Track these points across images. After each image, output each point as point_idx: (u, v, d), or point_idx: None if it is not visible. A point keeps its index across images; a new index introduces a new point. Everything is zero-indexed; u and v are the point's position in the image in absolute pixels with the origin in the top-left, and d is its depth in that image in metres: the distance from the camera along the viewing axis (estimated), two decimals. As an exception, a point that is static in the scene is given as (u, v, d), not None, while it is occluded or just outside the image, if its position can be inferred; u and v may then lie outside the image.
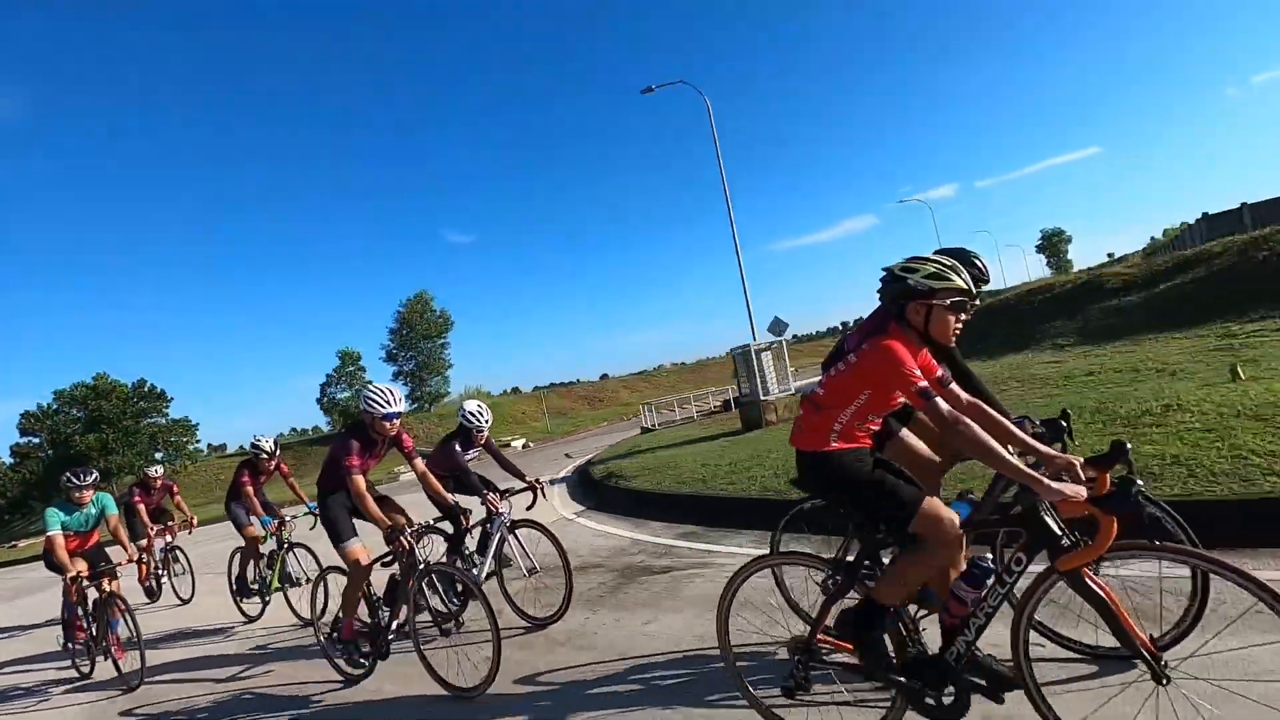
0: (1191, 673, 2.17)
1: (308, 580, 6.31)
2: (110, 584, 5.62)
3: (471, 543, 5.21)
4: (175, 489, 9.06)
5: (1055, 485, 2.13)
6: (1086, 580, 2.17)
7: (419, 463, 4.49)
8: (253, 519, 6.81)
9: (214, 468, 46.40)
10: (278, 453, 7.02)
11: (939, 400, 2.32)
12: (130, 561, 5.88)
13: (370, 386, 4.26)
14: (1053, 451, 2.33)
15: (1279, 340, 10.40)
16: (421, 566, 4.03)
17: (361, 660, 4.27)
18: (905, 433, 3.33)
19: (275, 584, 6.56)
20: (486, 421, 5.42)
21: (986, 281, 3.27)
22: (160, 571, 8.68)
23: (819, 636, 2.74)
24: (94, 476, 6.18)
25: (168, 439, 49.39)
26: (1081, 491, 2.11)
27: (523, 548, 5.07)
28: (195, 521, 8.76)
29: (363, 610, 4.38)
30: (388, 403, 4.18)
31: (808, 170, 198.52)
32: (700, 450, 11.81)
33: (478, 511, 4.98)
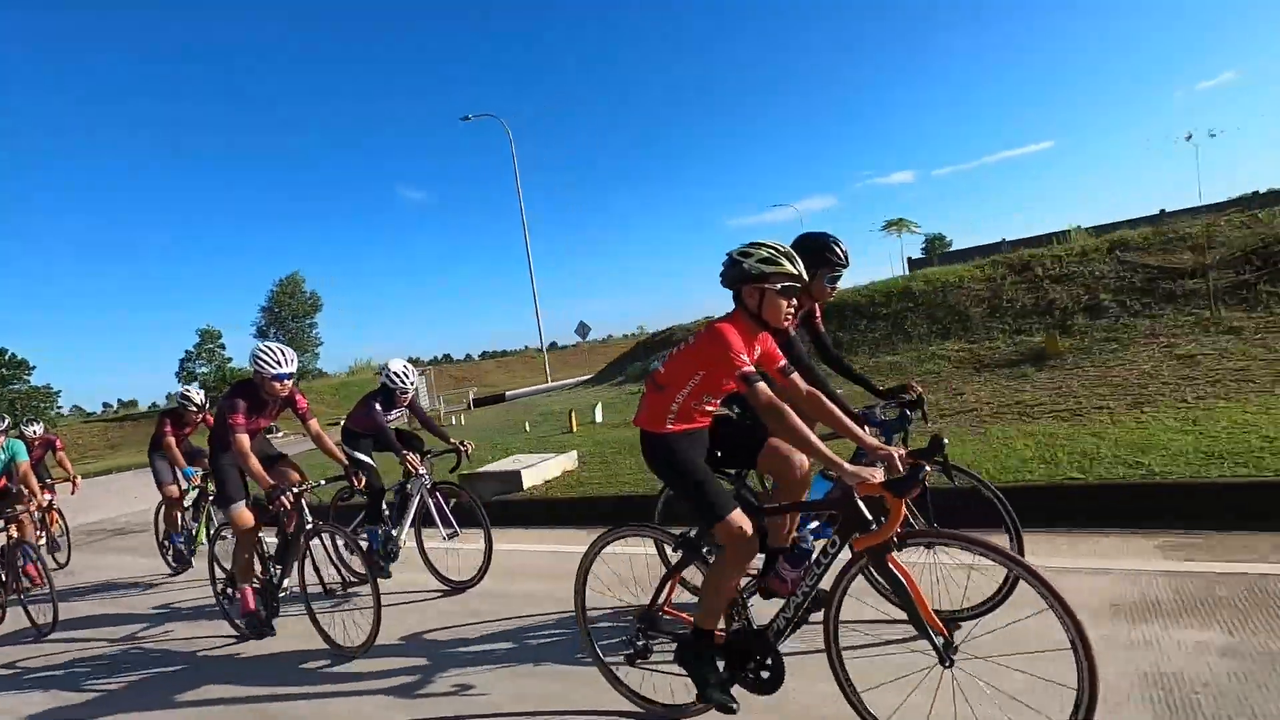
0: (973, 652, 2.29)
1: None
2: (18, 530, 5.59)
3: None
4: (59, 444, 8.44)
5: (853, 469, 2.22)
6: (889, 565, 2.25)
7: (314, 423, 4.45)
8: (176, 471, 6.74)
9: (76, 430, 46.12)
10: (206, 405, 6.85)
11: (760, 385, 2.38)
12: (40, 507, 5.78)
13: (261, 346, 4.16)
14: (877, 443, 2.43)
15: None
16: (310, 526, 4.04)
17: (267, 630, 4.29)
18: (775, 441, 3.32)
19: (201, 537, 6.54)
20: (412, 384, 5.26)
21: (845, 266, 3.41)
22: (39, 531, 7.93)
23: (664, 608, 2.81)
24: (5, 423, 6.10)
25: (29, 405, 49.21)
26: (877, 474, 2.20)
27: (443, 510, 5.04)
28: (79, 481, 8.20)
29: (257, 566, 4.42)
30: (278, 363, 4.10)
31: (768, 147, 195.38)
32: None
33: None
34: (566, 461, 7.70)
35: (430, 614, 4.42)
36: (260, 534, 4.38)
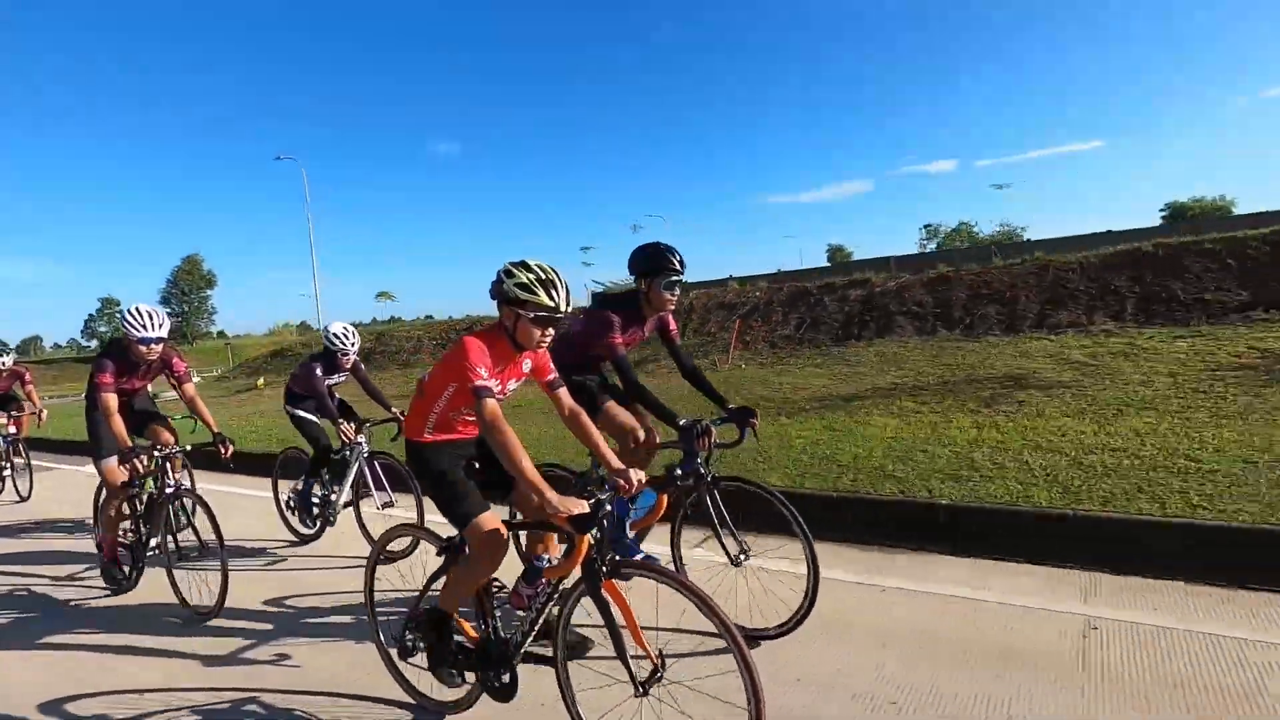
0: (671, 678, 2.31)
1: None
2: None
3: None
4: (28, 377, 8.18)
5: (554, 499, 2.24)
6: (603, 592, 2.27)
7: (188, 388, 4.51)
8: None
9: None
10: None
11: (487, 401, 2.42)
12: None
13: (131, 309, 4.16)
14: (618, 466, 2.48)
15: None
16: (170, 490, 4.15)
17: (122, 580, 4.46)
18: (610, 404, 3.59)
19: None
20: (352, 345, 5.25)
21: (681, 273, 3.42)
22: (4, 464, 8.04)
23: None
24: None
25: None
26: (571, 508, 2.22)
27: (380, 480, 5.07)
28: (46, 415, 8.10)
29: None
30: (144, 327, 4.10)
31: (808, 128, 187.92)
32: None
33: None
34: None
35: (295, 580, 4.58)
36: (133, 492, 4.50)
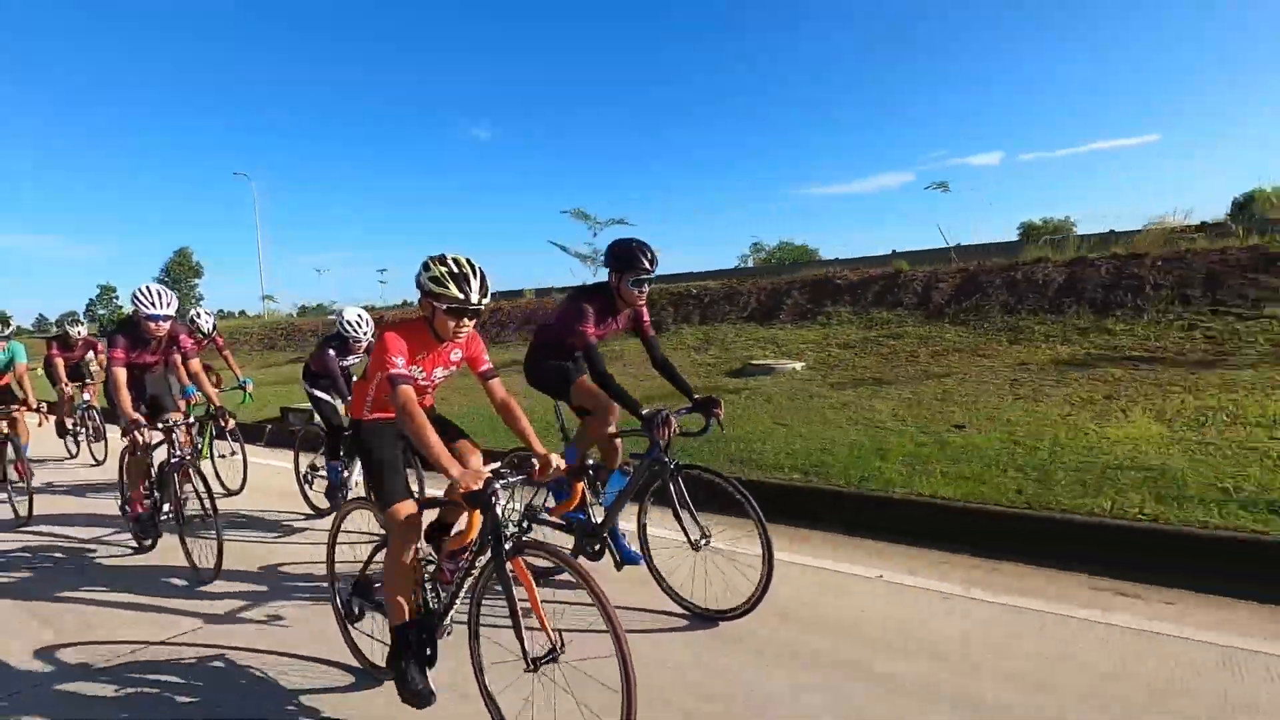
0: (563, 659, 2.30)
1: (232, 453, 6.92)
2: (10, 427, 5.95)
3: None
4: (99, 347, 8.51)
5: (458, 473, 2.27)
6: (507, 570, 2.30)
7: (193, 363, 4.77)
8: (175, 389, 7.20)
9: None
10: (214, 329, 7.22)
11: (399, 388, 2.50)
12: (31, 409, 6.07)
13: (142, 287, 4.42)
14: (542, 452, 2.59)
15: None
16: (176, 460, 4.38)
17: (144, 541, 4.76)
18: (584, 378, 3.77)
19: (205, 452, 7.00)
20: (365, 333, 5.42)
21: (650, 272, 3.55)
22: (78, 430, 8.55)
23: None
24: (12, 328, 6.69)
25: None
26: (469, 485, 2.23)
27: None
28: None
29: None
30: (153, 304, 4.36)
31: (846, 120, 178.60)
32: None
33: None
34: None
35: (288, 549, 4.78)
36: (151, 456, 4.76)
